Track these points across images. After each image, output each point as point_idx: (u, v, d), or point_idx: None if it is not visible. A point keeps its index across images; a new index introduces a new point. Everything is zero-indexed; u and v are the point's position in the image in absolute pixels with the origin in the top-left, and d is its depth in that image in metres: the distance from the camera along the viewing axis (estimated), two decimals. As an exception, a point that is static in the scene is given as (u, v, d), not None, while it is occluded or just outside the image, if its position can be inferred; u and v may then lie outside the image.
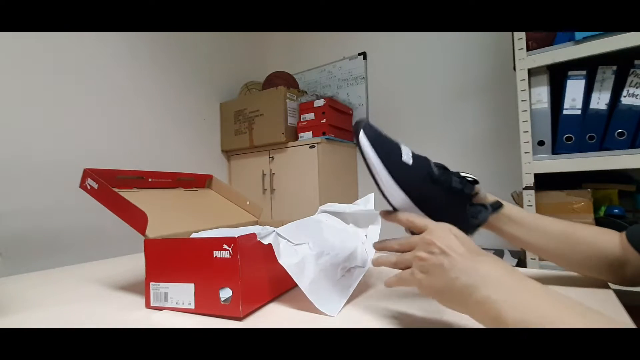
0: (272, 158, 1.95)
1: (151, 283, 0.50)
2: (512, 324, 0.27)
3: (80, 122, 1.50)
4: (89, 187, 0.58)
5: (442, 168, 0.43)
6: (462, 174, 0.44)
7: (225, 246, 0.44)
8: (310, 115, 1.87)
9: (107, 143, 1.59)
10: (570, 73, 1.02)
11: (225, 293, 0.44)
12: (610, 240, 0.47)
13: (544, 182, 1.09)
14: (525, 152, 1.07)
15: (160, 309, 0.49)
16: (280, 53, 2.46)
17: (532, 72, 1.08)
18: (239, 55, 2.32)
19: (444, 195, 0.42)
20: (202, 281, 0.47)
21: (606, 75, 0.99)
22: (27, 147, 1.33)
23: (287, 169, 1.89)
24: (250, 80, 2.24)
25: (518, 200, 1.26)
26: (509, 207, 0.50)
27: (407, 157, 0.41)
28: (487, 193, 0.50)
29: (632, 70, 0.95)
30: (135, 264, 0.82)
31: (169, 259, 0.49)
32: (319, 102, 1.85)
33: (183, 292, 0.48)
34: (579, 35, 1.00)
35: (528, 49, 1.08)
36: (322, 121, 1.83)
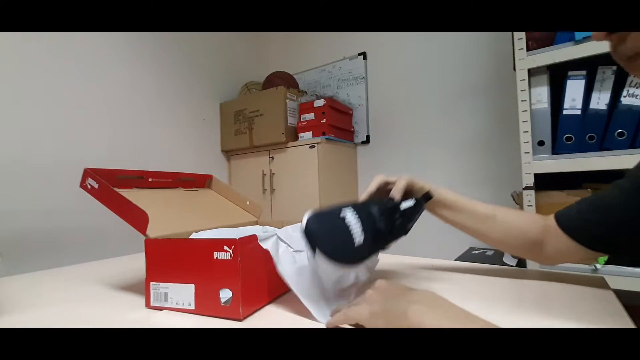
0: (272, 158, 1.95)
1: (151, 283, 0.50)
2: (416, 324, 0.32)
3: (81, 122, 1.50)
4: (89, 187, 0.57)
5: (386, 214, 0.48)
6: (403, 207, 0.50)
7: (225, 247, 0.44)
8: (310, 115, 1.87)
9: (107, 143, 1.59)
10: (570, 73, 1.02)
11: (226, 294, 0.44)
12: (532, 223, 0.53)
13: (544, 182, 1.09)
14: (525, 152, 1.07)
15: (160, 309, 0.49)
16: (280, 53, 2.46)
17: (532, 72, 1.08)
18: (239, 55, 2.32)
19: (389, 233, 0.48)
20: (202, 282, 0.46)
21: (606, 75, 0.99)
22: (27, 147, 1.33)
23: (287, 169, 1.89)
24: (250, 80, 2.24)
25: (518, 200, 1.26)
26: (441, 193, 0.57)
27: (358, 239, 0.44)
28: (423, 183, 0.57)
29: (632, 70, 0.95)
30: (134, 264, 0.82)
31: (169, 259, 0.49)
32: (319, 102, 1.85)
33: (183, 293, 0.48)
34: (579, 35, 1.00)
35: (528, 49, 1.08)
36: (322, 121, 1.83)
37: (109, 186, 0.55)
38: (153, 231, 0.52)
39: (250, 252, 0.46)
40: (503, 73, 1.60)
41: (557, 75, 1.05)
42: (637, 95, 0.95)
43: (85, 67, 1.53)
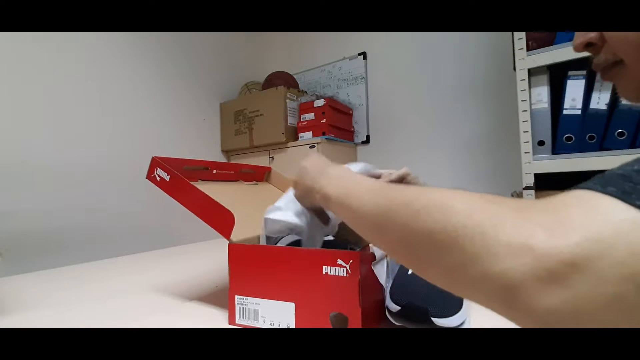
0: (272, 158, 1.95)
1: (237, 296, 0.43)
2: (333, 197, 0.34)
3: (80, 122, 1.50)
4: (158, 179, 0.51)
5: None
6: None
7: (340, 262, 0.37)
8: (310, 115, 1.87)
9: (107, 143, 1.58)
10: (570, 73, 1.02)
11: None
12: None
13: (544, 182, 1.08)
14: (525, 152, 1.07)
15: (248, 327, 0.42)
16: (280, 53, 2.46)
17: (532, 72, 1.08)
18: (239, 55, 2.32)
19: None
20: (306, 301, 0.39)
21: (606, 75, 0.99)
22: (28, 147, 1.33)
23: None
24: (250, 80, 2.24)
25: (518, 200, 1.26)
26: None
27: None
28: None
29: (632, 70, 0.95)
30: (133, 265, 0.82)
31: (260, 270, 0.42)
32: (319, 102, 1.85)
33: (279, 312, 0.40)
34: (579, 35, 1.00)
35: (528, 49, 1.08)
36: (322, 121, 1.83)
37: (184, 180, 0.49)
38: (236, 234, 0.44)
39: (370, 270, 0.39)
40: (503, 73, 1.60)
41: (557, 75, 1.05)
42: (637, 95, 0.95)
43: (85, 67, 1.53)
